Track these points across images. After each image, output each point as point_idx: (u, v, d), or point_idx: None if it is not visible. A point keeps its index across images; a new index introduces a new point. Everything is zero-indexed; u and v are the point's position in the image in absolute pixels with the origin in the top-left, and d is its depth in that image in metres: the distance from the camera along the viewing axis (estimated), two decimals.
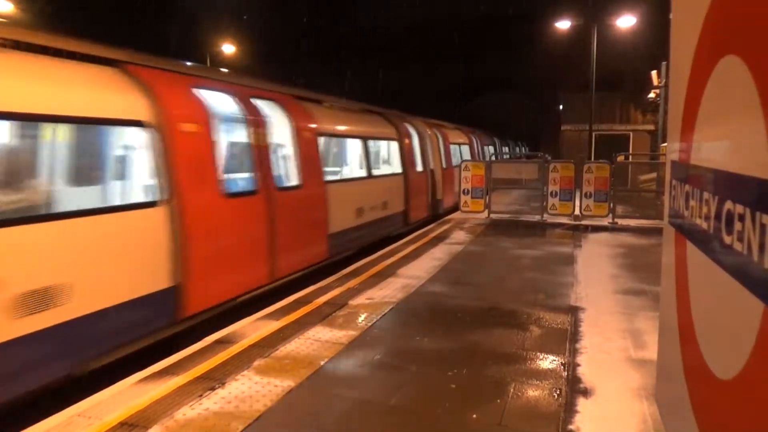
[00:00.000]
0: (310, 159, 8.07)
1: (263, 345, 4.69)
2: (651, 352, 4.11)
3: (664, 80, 17.41)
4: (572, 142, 26.08)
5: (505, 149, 31.44)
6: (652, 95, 22.29)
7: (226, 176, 6.32)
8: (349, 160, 11.49)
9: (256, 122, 6.89)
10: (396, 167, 12.40)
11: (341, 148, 11.48)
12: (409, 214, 12.63)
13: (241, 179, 7.31)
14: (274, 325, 5.19)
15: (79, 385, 4.20)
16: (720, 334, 1.93)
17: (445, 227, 11.57)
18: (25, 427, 3.34)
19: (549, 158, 14.02)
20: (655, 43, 20.32)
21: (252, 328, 5.14)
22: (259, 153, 6.86)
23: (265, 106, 7.29)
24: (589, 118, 20.62)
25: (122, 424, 3.36)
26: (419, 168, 13.51)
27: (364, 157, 10.66)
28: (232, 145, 7.13)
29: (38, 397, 3.98)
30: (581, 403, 3.64)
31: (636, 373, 4.08)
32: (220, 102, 6.56)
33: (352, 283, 6.80)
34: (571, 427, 3.34)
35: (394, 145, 12.50)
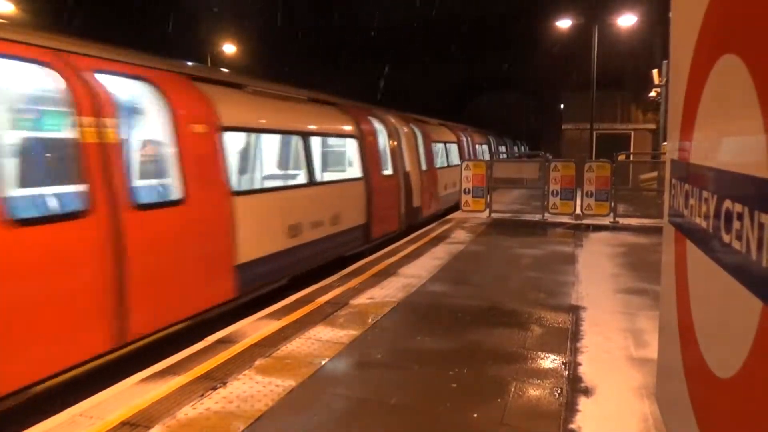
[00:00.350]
0: (203, 162, 5.74)
1: (264, 344, 4.70)
2: (652, 351, 4.11)
3: (664, 79, 17.39)
4: (573, 141, 26.07)
5: (502, 148, 31.11)
6: (653, 94, 22.26)
7: (16, 191, 4.56)
8: (281, 162, 9.50)
9: (94, 109, 4.55)
10: (354, 171, 9.99)
11: (268, 148, 9.31)
12: (372, 228, 10.13)
13: (56, 195, 5.20)
14: (276, 325, 5.20)
15: (81, 384, 4.21)
16: (719, 333, 1.94)
17: (446, 227, 11.57)
18: (26, 427, 3.35)
19: (550, 157, 14.01)
20: (656, 41, 20.30)
21: (253, 327, 5.15)
22: (99, 155, 4.55)
23: (120, 86, 5.14)
24: (590, 117, 20.61)
25: (124, 423, 3.37)
26: (388, 171, 11.25)
27: (305, 158, 8.13)
28: (40, 142, 5.21)
29: (39, 397, 3.99)
30: (582, 402, 3.65)
31: (637, 373, 4.08)
32: (17, 75, 4.70)
33: (353, 282, 6.80)
34: (572, 426, 3.34)
35: (353, 144, 10.04)
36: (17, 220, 3.85)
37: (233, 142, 6.94)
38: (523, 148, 38.39)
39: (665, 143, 11.96)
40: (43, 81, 4.60)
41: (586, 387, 3.87)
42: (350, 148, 10.31)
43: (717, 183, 1.98)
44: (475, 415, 3.47)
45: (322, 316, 5.47)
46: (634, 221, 11.99)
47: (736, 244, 1.69)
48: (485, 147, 24.57)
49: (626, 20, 19.99)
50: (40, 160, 5.09)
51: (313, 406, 3.61)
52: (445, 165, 16.34)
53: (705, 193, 2.12)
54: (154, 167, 5.77)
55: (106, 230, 4.51)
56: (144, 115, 5.63)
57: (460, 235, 10.49)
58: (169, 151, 5.49)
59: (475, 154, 21.49)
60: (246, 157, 8.32)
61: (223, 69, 7.85)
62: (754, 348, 1.51)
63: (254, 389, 3.82)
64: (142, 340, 4.95)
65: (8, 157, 4.41)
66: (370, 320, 5.33)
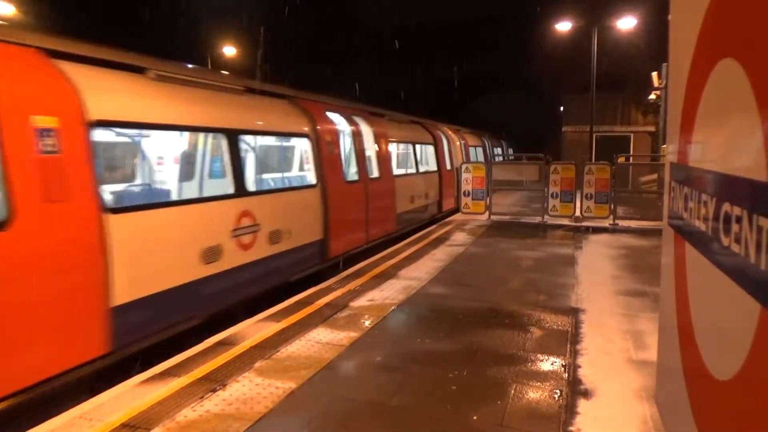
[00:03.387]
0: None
1: (264, 346, 4.70)
2: (652, 354, 4.11)
3: (664, 82, 17.41)
4: (573, 143, 26.07)
5: (510, 150, 31.17)
6: (652, 96, 22.28)
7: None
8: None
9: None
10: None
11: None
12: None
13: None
14: (276, 327, 5.20)
15: (82, 386, 4.21)
16: (718, 335, 1.94)
17: (446, 229, 11.58)
18: (27, 429, 3.35)
19: (550, 159, 14.04)
20: (656, 43, 20.32)
21: (253, 329, 5.15)
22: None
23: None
24: (590, 120, 20.62)
25: (124, 425, 3.37)
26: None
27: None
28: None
29: (41, 399, 4.00)
30: (582, 404, 3.65)
31: (637, 375, 4.09)
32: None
33: (353, 284, 6.81)
34: (571, 428, 3.35)
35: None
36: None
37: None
38: (501, 149, 31.87)
39: (665, 146, 11.96)
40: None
41: (586, 389, 3.88)
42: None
43: (716, 186, 1.99)
44: (475, 417, 3.47)
45: (322, 318, 5.47)
46: (633, 223, 12.00)
47: (734, 247, 1.69)
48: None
49: (626, 23, 20.02)
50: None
51: (313, 408, 3.61)
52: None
53: (704, 196, 2.13)
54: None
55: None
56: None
57: (460, 237, 10.50)
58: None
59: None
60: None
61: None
62: (753, 350, 1.52)
63: (254, 391, 3.83)
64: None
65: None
66: (370, 322, 5.33)
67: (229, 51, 29.61)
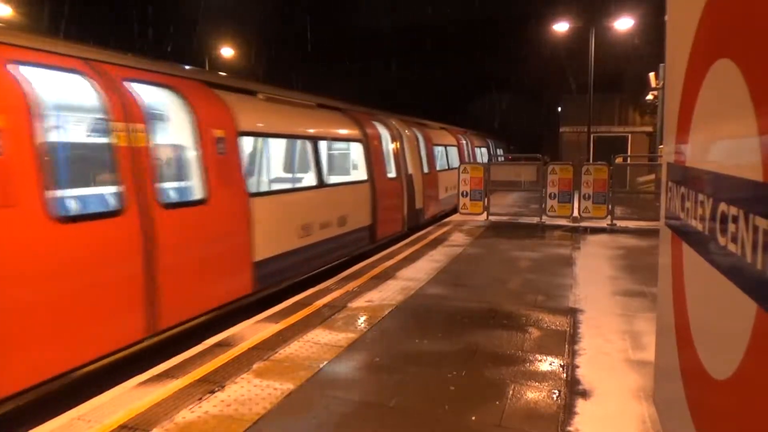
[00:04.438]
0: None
1: (263, 347, 4.70)
2: (650, 354, 4.12)
3: (661, 82, 17.45)
4: (571, 144, 26.11)
5: (500, 151, 30.88)
6: (650, 97, 22.33)
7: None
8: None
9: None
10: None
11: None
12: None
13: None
14: (274, 328, 5.20)
15: (80, 387, 4.21)
16: (715, 335, 1.95)
17: (444, 229, 11.58)
18: (25, 431, 3.35)
19: (548, 159, 14.07)
20: (654, 44, 20.40)
21: (251, 330, 5.15)
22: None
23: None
24: (588, 120, 20.67)
25: (122, 427, 3.36)
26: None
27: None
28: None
29: (39, 400, 3.99)
30: (580, 404, 3.66)
31: (635, 375, 4.09)
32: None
33: (352, 285, 6.81)
34: (569, 428, 3.35)
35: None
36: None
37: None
38: (487, 149, 26.49)
39: (662, 146, 11.97)
40: None
41: (584, 389, 3.88)
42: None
43: (712, 186, 1.99)
44: (473, 417, 3.48)
45: (320, 319, 5.47)
46: (631, 224, 12.01)
47: (731, 247, 1.70)
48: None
49: (624, 23, 20.07)
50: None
51: (312, 409, 3.61)
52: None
53: (701, 196, 2.14)
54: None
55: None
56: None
57: (458, 237, 10.51)
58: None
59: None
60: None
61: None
62: (750, 349, 1.52)
63: (252, 392, 3.82)
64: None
65: None
66: (368, 323, 5.33)
67: (227, 52, 29.62)
